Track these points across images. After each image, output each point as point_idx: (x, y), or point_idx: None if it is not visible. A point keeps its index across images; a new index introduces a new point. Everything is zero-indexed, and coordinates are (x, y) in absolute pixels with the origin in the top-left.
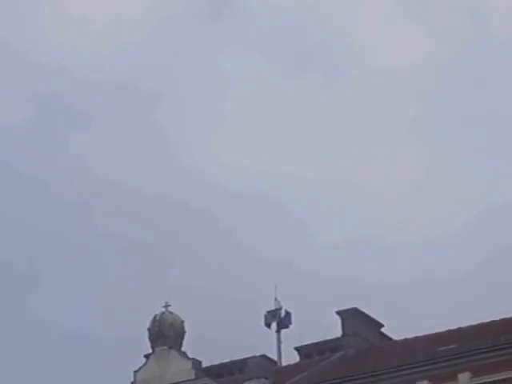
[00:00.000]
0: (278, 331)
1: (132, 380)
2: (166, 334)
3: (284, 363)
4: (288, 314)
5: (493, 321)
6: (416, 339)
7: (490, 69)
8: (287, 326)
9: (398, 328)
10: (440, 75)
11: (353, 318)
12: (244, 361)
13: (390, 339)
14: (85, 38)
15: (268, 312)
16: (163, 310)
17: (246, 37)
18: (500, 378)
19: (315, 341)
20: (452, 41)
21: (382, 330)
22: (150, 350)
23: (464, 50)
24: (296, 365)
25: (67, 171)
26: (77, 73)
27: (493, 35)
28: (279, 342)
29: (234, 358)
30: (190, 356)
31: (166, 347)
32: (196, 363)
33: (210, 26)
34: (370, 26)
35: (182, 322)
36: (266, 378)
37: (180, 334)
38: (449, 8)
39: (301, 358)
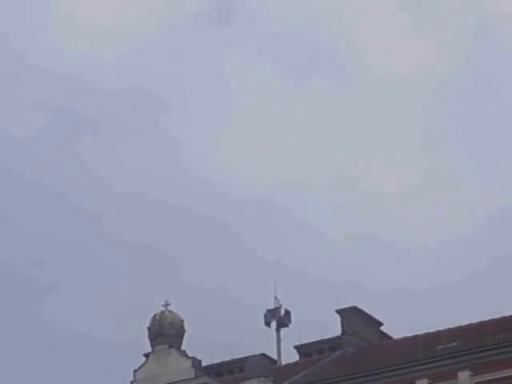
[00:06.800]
0: (278, 330)
1: (132, 379)
2: (165, 332)
3: (284, 362)
4: (288, 312)
5: (492, 319)
6: (415, 338)
7: (493, 79)
8: (287, 325)
9: (397, 327)
10: (443, 84)
11: (352, 316)
12: (244, 359)
13: (390, 338)
14: (93, 46)
15: (268, 311)
16: (163, 309)
17: (251, 42)
18: (500, 376)
19: (315, 339)
20: (456, 52)
21: (382, 328)
22: (150, 349)
23: (467, 61)
24: (296, 363)
25: (78, 179)
26: (86, 81)
27: (496, 47)
28: (279, 340)
29: (233, 357)
30: (190, 355)
31: (165, 346)
32: (196, 362)
33: (215, 31)
34: (375, 35)
35: (182, 320)
36: (265, 377)
37: (180, 333)
38: (454, 20)
39: (300, 357)
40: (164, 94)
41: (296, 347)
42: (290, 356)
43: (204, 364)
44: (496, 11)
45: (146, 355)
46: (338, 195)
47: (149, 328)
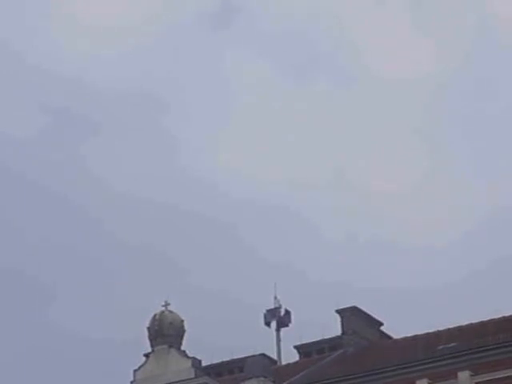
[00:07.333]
0: (278, 330)
1: (132, 379)
2: (165, 332)
3: (283, 362)
4: (287, 312)
5: (492, 319)
6: (415, 338)
7: (493, 79)
8: (287, 325)
9: (397, 326)
10: (443, 84)
11: (352, 316)
12: (243, 359)
13: (390, 338)
14: (93, 46)
15: (267, 311)
16: (163, 309)
17: (251, 42)
18: (500, 376)
19: (315, 339)
20: (456, 52)
21: (382, 328)
22: (150, 349)
23: (467, 61)
24: (295, 363)
25: (78, 180)
26: (86, 81)
27: (496, 47)
28: (279, 340)
29: (233, 357)
30: (190, 355)
31: (165, 346)
32: (196, 362)
33: (215, 31)
34: (375, 35)
35: (182, 320)
36: (265, 377)
37: (180, 333)
38: (454, 20)
39: (300, 357)
40: (164, 94)
41: (296, 347)
42: (290, 356)
43: (204, 364)
44: (496, 11)
45: (146, 355)
46: (338, 195)
47: (149, 328)
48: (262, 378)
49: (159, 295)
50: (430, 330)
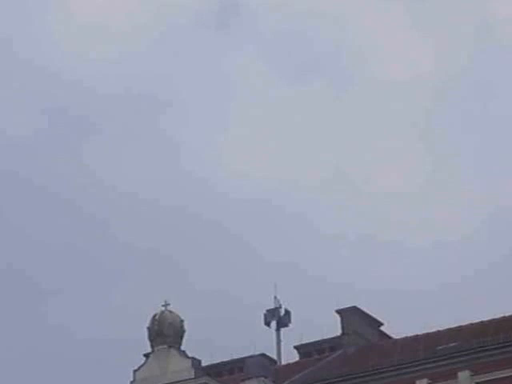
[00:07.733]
0: (278, 330)
1: (132, 379)
2: (165, 333)
3: (283, 362)
4: (287, 312)
5: (492, 319)
6: (416, 338)
7: (494, 81)
8: (287, 325)
9: (397, 326)
10: (444, 85)
11: (352, 316)
12: (243, 360)
13: (390, 338)
14: (93, 47)
15: (267, 311)
16: (163, 309)
17: (251, 43)
18: (500, 376)
19: (315, 339)
20: (457, 53)
21: (382, 328)
22: (150, 349)
23: (468, 62)
24: (295, 363)
25: (79, 182)
26: (86, 82)
27: (497, 48)
28: (279, 340)
29: (233, 357)
30: (190, 355)
31: (165, 346)
32: (195, 362)
33: (215, 32)
34: (375, 37)
35: (182, 321)
36: (265, 377)
37: (179, 333)
38: (455, 21)
39: (300, 357)
40: (164, 94)
41: (296, 347)
42: (290, 356)
43: (204, 364)
44: (496, 12)
45: (146, 355)
46: (338, 195)
47: (149, 328)
48: (262, 378)
49: (159, 295)
50: (430, 330)
